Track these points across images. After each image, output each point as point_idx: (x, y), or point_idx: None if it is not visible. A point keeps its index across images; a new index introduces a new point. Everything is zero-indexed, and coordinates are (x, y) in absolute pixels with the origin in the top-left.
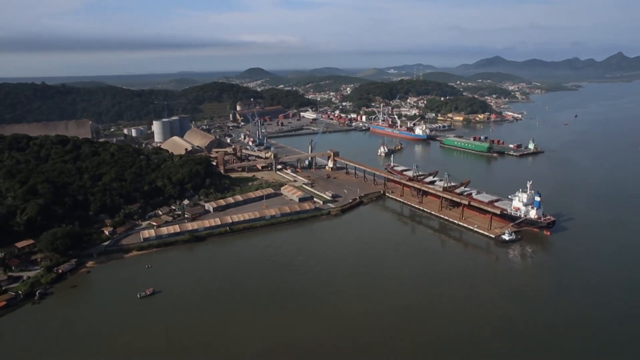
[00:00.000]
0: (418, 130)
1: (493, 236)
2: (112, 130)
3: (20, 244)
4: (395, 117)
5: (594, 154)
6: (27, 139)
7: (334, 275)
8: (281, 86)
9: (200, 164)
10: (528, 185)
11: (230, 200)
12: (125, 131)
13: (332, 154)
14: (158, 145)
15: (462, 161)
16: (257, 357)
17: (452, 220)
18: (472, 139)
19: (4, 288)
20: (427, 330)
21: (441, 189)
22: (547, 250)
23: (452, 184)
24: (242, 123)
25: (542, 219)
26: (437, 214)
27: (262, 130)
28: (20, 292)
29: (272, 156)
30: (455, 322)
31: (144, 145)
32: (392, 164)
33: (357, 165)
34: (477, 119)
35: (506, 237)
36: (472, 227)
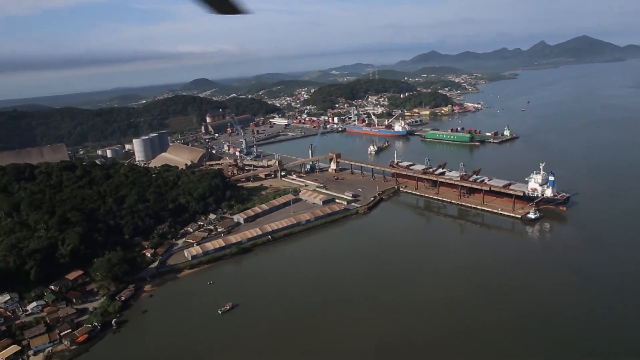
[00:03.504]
0: (397, 127)
1: (519, 216)
2: (81, 153)
3: (70, 276)
4: (372, 116)
5: (563, 134)
6: (30, 167)
7: (393, 269)
8: (233, 95)
9: (216, 177)
10: (541, 167)
11: (258, 210)
12: (99, 152)
13: (334, 155)
14: (146, 164)
15: (449, 152)
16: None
17: (474, 206)
18: (449, 130)
19: (75, 322)
20: (507, 310)
21: (458, 179)
22: (571, 223)
23: (465, 172)
24: (217, 134)
25: (558, 196)
26: (457, 202)
27: (251, 139)
28: (96, 324)
29: (277, 163)
30: (532, 298)
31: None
32: (396, 160)
33: (363, 165)
34: (443, 111)
35: (532, 215)
36: (496, 210)
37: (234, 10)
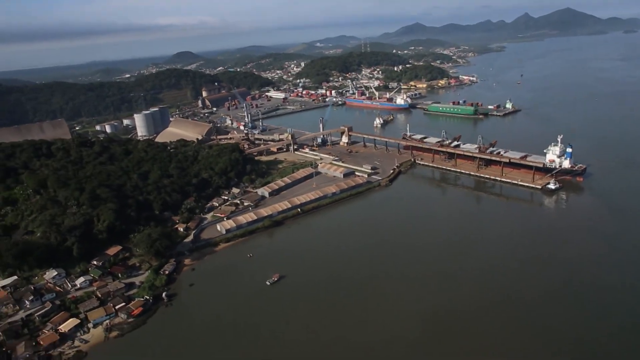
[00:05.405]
0: (399, 100)
1: (539, 187)
2: (77, 129)
3: (110, 251)
4: (373, 89)
5: (564, 107)
6: (47, 144)
7: (424, 240)
8: (221, 68)
9: (234, 151)
10: (559, 139)
11: (281, 183)
12: (98, 127)
13: (346, 129)
14: (152, 138)
15: (455, 125)
16: (419, 324)
17: (493, 177)
18: (451, 103)
19: (126, 295)
20: (544, 280)
21: (475, 151)
22: (589, 193)
23: (483, 144)
24: (215, 109)
25: (576, 167)
26: (476, 174)
27: (256, 112)
28: (148, 297)
29: (290, 137)
30: (568, 267)
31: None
32: (408, 133)
33: (376, 138)
34: (439, 84)
35: (552, 186)
36: (516, 182)
37: None
